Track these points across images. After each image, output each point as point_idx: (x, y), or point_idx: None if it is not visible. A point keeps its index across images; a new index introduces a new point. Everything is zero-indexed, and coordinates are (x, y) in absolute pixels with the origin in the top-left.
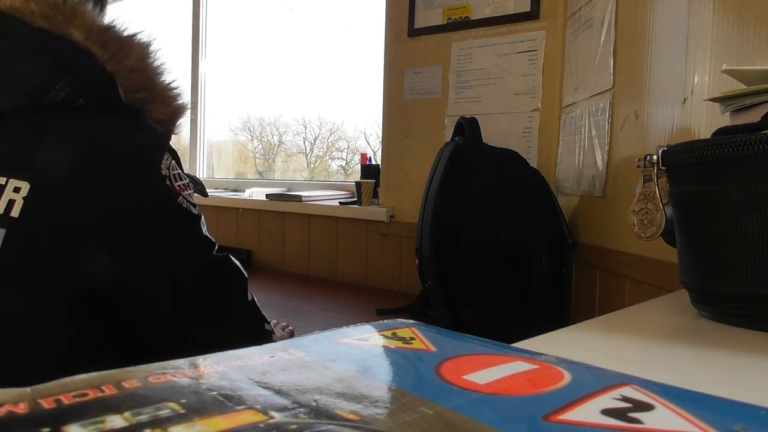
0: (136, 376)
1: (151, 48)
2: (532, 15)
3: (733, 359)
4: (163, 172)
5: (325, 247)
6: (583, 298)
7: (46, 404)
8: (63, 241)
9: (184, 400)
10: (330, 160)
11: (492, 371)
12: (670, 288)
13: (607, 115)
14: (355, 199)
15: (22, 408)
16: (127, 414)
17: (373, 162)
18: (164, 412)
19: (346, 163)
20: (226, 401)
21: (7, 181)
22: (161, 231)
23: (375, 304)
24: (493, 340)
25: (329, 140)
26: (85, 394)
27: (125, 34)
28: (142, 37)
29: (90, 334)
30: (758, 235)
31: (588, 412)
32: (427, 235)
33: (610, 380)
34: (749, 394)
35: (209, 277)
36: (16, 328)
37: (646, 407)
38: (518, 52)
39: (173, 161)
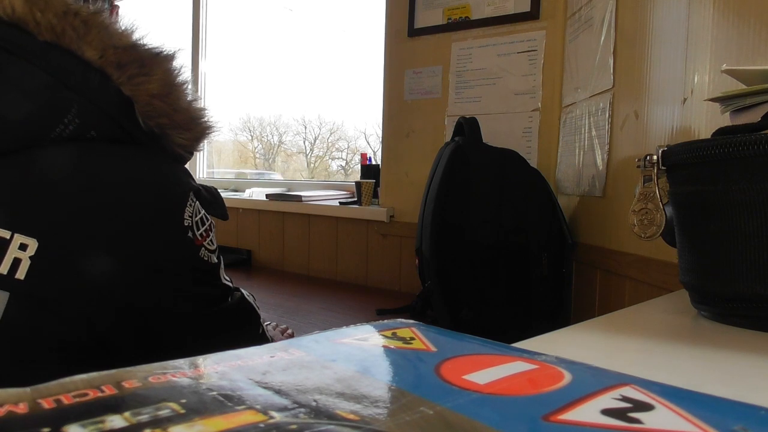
0: (136, 376)
1: (175, 67)
2: (532, 15)
3: (733, 359)
4: (186, 223)
5: (325, 247)
6: (583, 298)
7: (46, 404)
8: (74, 306)
9: (184, 400)
10: (330, 160)
11: (492, 371)
12: (670, 288)
13: (607, 115)
14: (355, 199)
15: (22, 408)
16: (127, 414)
17: (373, 162)
18: (164, 412)
19: (346, 163)
20: (226, 401)
21: (12, 236)
22: (178, 287)
23: (375, 304)
24: (493, 340)
25: (329, 140)
26: (85, 394)
27: (147, 52)
28: (168, 54)
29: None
30: (758, 235)
31: (588, 412)
32: (427, 235)
33: (610, 380)
34: (749, 394)
35: (222, 324)
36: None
37: (646, 407)
38: (518, 52)
39: (197, 203)
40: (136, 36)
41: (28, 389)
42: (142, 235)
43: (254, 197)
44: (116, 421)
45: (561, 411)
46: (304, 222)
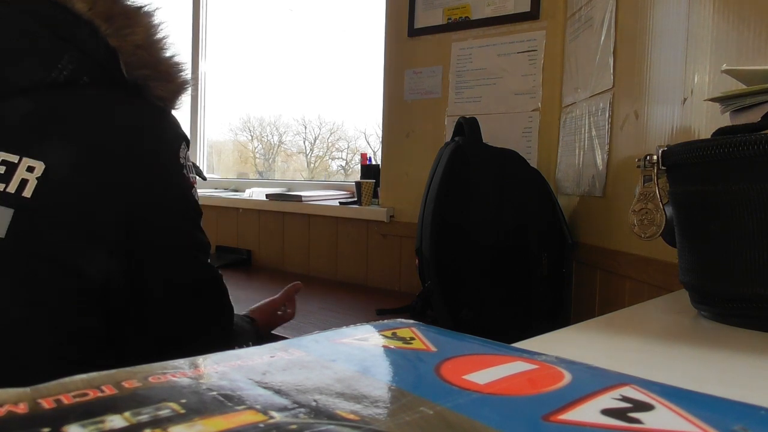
0: (136, 376)
1: (157, 22)
2: (532, 15)
3: (733, 359)
4: (181, 161)
5: (325, 247)
6: (583, 298)
7: (46, 404)
8: (75, 228)
9: (184, 400)
10: (330, 160)
11: (492, 371)
12: (670, 288)
13: (607, 115)
14: (355, 199)
15: (22, 408)
16: (127, 414)
17: (373, 162)
18: (164, 412)
19: (346, 163)
20: (226, 401)
21: (20, 160)
22: (175, 223)
23: (375, 304)
24: (493, 340)
25: (329, 140)
26: (85, 394)
27: (132, 6)
28: (149, 10)
29: (87, 329)
30: (758, 235)
31: (588, 412)
32: (427, 235)
33: (610, 380)
34: (749, 394)
35: (201, 281)
36: (18, 319)
37: (646, 407)
38: (518, 52)
39: (187, 151)
40: None
41: (28, 389)
42: (146, 164)
43: (254, 197)
44: (116, 421)
45: (561, 411)
46: (304, 222)
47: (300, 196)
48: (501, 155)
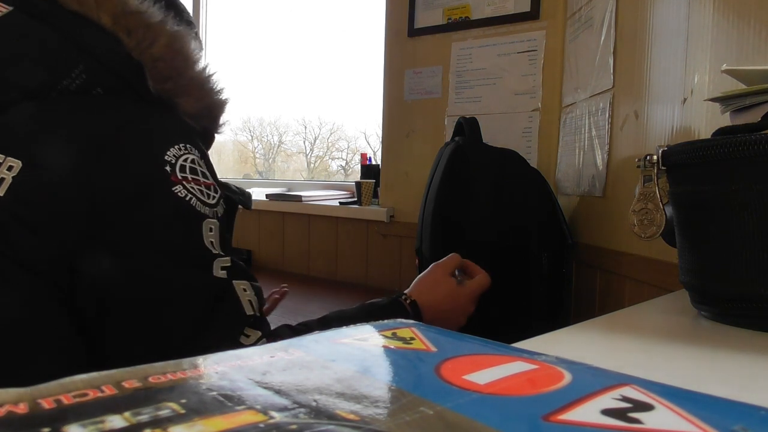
0: (136, 376)
1: (181, 35)
2: (532, 15)
3: (733, 359)
4: (166, 158)
5: (325, 247)
6: (583, 298)
7: (46, 404)
8: (47, 225)
9: (184, 400)
10: (330, 160)
11: (492, 371)
12: (670, 288)
13: (607, 115)
14: (355, 199)
15: (22, 408)
16: (127, 414)
17: (373, 162)
18: (164, 412)
19: (346, 163)
20: (226, 401)
21: (4, 159)
22: (144, 217)
23: None
24: (493, 340)
25: (329, 140)
26: (85, 394)
27: (154, 20)
28: (173, 25)
29: (59, 329)
30: (758, 235)
31: (588, 412)
32: (427, 235)
33: (610, 380)
34: (749, 394)
35: (173, 290)
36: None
37: (646, 407)
38: (518, 52)
39: (191, 156)
40: (146, 5)
41: (28, 389)
42: (116, 157)
43: (254, 197)
44: (116, 421)
45: (561, 411)
46: (304, 222)
47: (300, 196)
48: (501, 155)
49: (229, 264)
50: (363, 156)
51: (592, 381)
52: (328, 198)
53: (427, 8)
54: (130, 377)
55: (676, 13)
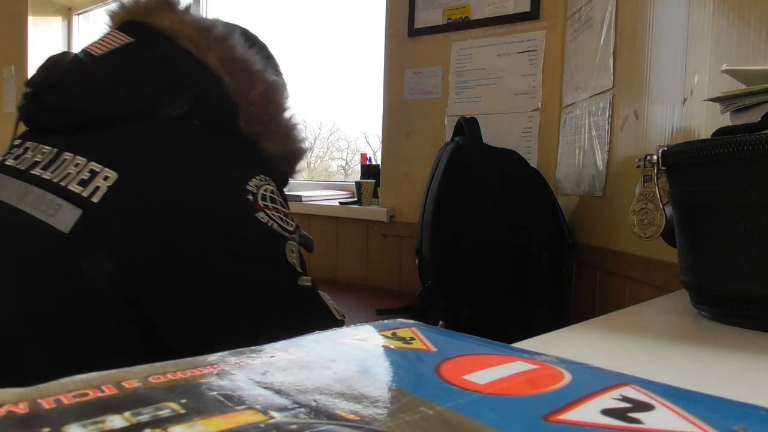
0: (136, 376)
1: (277, 86)
2: (532, 15)
3: (733, 359)
4: (249, 188)
5: (325, 247)
6: (583, 298)
7: (46, 404)
8: (130, 235)
9: (184, 400)
10: (330, 160)
11: (492, 371)
12: (670, 288)
13: (607, 115)
14: (355, 199)
15: (22, 408)
16: (127, 414)
17: (373, 162)
18: (164, 412)
19: (346, 163)
20: (226, 401)
21: (102, 169)
22: (227, 239)
23: (375, 304)
24: (493, 340)
25: (329, 140)
26: (85, 394)
27: (256, 67)
28: (272, 76)
29: (127, 332)
30: (758, 235)
31: (588, 412)
32: (427, 235)
33: (610, 380)
34: (749, 394)
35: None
36: (57, 306)
37: (646, 407)
38: (518, 52)
39: (270, 187)
40: (250, 53)
41: (28, 389)
42: (204, 182)
43: None
44: (116, 421)
45: (561, 411)
46: (304, 222)
47: (300, 196)
48: (501, 155)
49: (310, 282)
50: (363, 156)
51: (592, 381)
52: (328, 198)
53: (427, 8)
54: (130, 377)
55: (676, 13)
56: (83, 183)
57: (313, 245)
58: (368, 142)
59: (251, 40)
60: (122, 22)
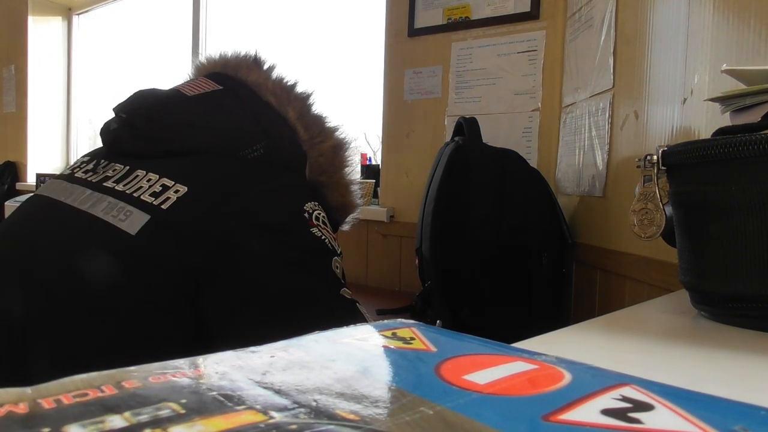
0: (136, 376)
1: (347, 144)
2: (532, 15)
3: (733, 359)
4: (305, 209)
5: None
6: (583, 298)
7: (46, 404)
8: (194, 237)
9: (184, 400)
10: None
11: (492, 371)
12: (670, 288)
13: (607, 115)
14: None
15: (22, 408)
16: (127, 414)
17: (373, 162)
18: (164, 412)
19: None
20: (226, 401)
21: (174, 184)
22: (283, 243)
23: (375, 304)
24: (493, 340)
25: None
26: (85, 394)
27: (329, 125)
28: (342, 133)
29: (182, 327)
30: (758, 235)
31: (588, 412)
32: (427, 235)
33: (610, 380)
34: (749, 394)
35: (317, 311)
36: (121, 298)
37: (646, 407)
38: (518, 52)
39: (322, 213)
40: (325, 115)
41: (28, 389)
42: (267, 200)
43: None
44: (116, 421)
45: (561, 411)
46: None
47: None
48: (501, 155)
49: (350, 296)
50: (363, 156)
51: (592, 381)
52: None
53: (427, 8)
54: (130, 377)
55: (676, 13)
56: (155, 195)
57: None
58: (368, 142)
59: None
60: (210, 73)
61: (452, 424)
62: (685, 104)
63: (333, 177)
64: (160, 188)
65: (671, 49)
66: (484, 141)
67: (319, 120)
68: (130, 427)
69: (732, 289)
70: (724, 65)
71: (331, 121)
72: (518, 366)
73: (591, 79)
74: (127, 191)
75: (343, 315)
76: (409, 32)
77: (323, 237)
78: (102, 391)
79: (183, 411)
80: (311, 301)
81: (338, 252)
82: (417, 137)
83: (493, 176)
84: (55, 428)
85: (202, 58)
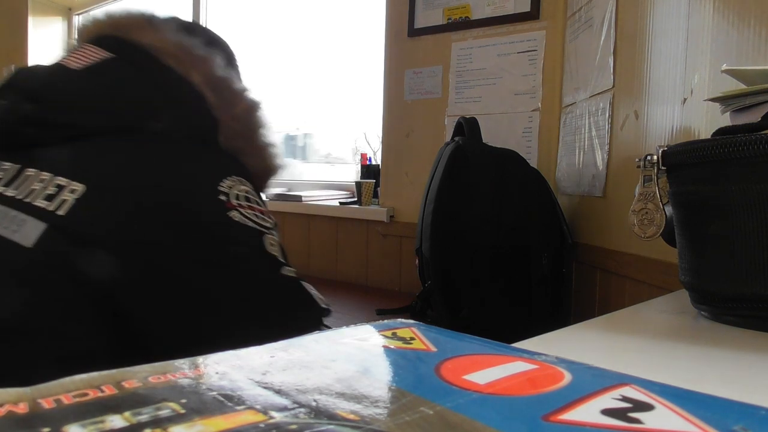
0: (136, 376)
1: (259, 105)
2: (532, 15)
3: (733, 359)
4: (221, 188)
5: (325, 247)
6: (583, 298)
7: (46, 404)
8: (102, 247)
9: (184, 400)
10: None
11: (492, 371)
12: (670, 288)
13: (607, 115)
14: (355, 199)
15: (22, 408)
16: (127, 414)
17: (373, 162)
18: (164, 412)
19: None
20: (226, 401)
21: (68, 183)
22: (199, 237)
23: (375, 304)
24: (493, 340)
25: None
26: (85, 394)
27: (238, 86)
28: (253, 94)
29: (102, 336)
30: (758, 235)
31: (588, 412)
32: (427, 235)
33: (610, 380)
34: (749, 394)
35: (255, 290)
36: (29, 322)
37: (646, 407)
38: (518, 52)
39: (244, 187)
40: (230, 72)
41: (28, 389)
42: (175, 188)
43: None
44: (116, 421)
45: (561, 411)
46: (304, 222)
47: (300, 196)
48: (501, 155)
49: (294, 273)
50: (363, 156)
51: (592, 381)
52: (328, 198)
53: (427, 8)
54: (130, 377)
55: (676, 13)
56: (50, 198)
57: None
58: (368, 142)
59: (211, 40)
60: (98, 37)
61: (452, 424)
62: (685, 104)
63: (250, 141)
64: (55, 189)
65: (671, 49)
66: (484, 141)
67: (227, 82)
68: (130, 427)
69: (732, 289)
70: (724, 65)
71: (241, 82)
72: (518, 366)
73: (591, 79)
74: (17, 197)
75: (287, 297)
76: (409, 32)
77: (245, 220)
78: (102, 391)
79: (183, 411)
80: (248, 293)
81: (269, 227)
82: (417, 137)
83: (493, 176)
84: (55, 428)
85: (87, 19)
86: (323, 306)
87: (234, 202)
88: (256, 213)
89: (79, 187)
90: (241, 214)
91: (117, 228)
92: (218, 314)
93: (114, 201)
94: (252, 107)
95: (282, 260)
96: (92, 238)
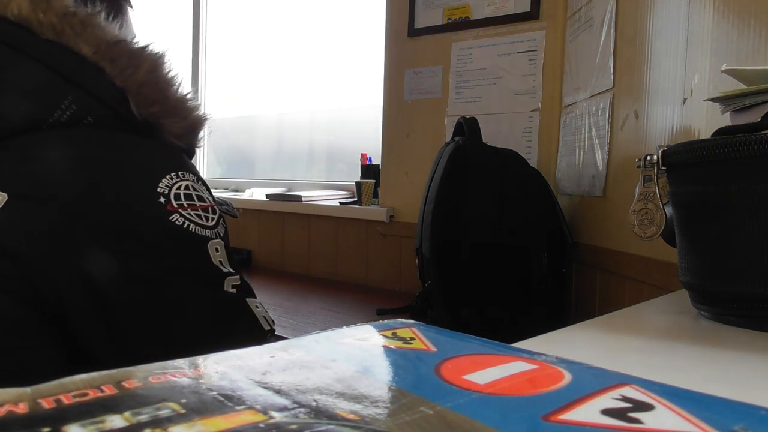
0: (136, 376)
1: (162, 59)
2: (532, 15)
3: (733, 359)
4: (159, 190)
5: (325, 247)
6: (583, 298)
7: (46, 404)
8: (28, 256)
9: (184, 400)
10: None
11: (492, 371)
12: (670, 288)
13: (607, 115)
14: (355, 199)
15: (22, 408)
16: (127, 414)
17: (373, 162)
18: (164, 412)
19: None
20: (226, 401)
21: None
22: (139, 248)
23: (375, 304)
24: (493, 340)
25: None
26: (85, 394)
27: (135, 46)
28: (153, 49)
29: (40, 355)
30: (758, 235)
31: (588, 412)
32: (427, 235)
33: (610, 380)
34: (749, 394)
35: (197, 310)
36: None
37: (646, 407)
38: (518, 52)
39: (184, 182)
40: (124, 33)
41: (28, 389)
42: (104, 197)
43: (254, 197)
44: (116, 421)
45: (561, 411)
46: (304, 222)
47: (300, 196)
48: (501, 155)
49: (239, 282)
50: (363, 156)
51: (592, 381)
52: (328, 198)
53: (427, 8)
54: (130, 377)
55: (676, 13)
56: None
57: (235, 209)
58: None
59: None
60: None
61: (452, 424)
62: (685, 104)
63: (166, 103)
64: None
65: (671, 49)
66: (484, 141)
67: (122, 46)
68: (130, 427)
69: (732, 288)
70: (724, 65)
71: (137, 41)
72: (518, 366)
73: (591, 79)
74: None
75: (227, 318)
76: (409, 32)
77: (187, 223)
78: (102, 391)
79: (183, 411)
80: (181, 314)
81: (212, 227)
82: (417, 137)
83: (493, 176)
84: (55, 428)
85: None
86: (266, 328)
87: (174, 203)
88: (198, 212)
89: (1, 196)
90: (183, 216)
91: (41, 240)
92: (151, 333)
93: (39, 211)
94: (155, 64)
95: (226, 269)
96: (15, 251)
